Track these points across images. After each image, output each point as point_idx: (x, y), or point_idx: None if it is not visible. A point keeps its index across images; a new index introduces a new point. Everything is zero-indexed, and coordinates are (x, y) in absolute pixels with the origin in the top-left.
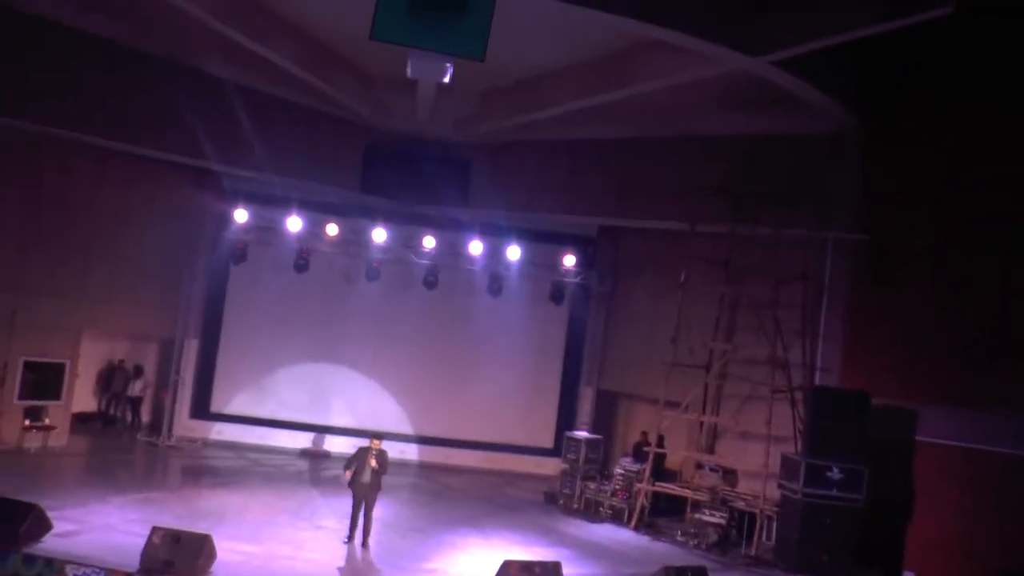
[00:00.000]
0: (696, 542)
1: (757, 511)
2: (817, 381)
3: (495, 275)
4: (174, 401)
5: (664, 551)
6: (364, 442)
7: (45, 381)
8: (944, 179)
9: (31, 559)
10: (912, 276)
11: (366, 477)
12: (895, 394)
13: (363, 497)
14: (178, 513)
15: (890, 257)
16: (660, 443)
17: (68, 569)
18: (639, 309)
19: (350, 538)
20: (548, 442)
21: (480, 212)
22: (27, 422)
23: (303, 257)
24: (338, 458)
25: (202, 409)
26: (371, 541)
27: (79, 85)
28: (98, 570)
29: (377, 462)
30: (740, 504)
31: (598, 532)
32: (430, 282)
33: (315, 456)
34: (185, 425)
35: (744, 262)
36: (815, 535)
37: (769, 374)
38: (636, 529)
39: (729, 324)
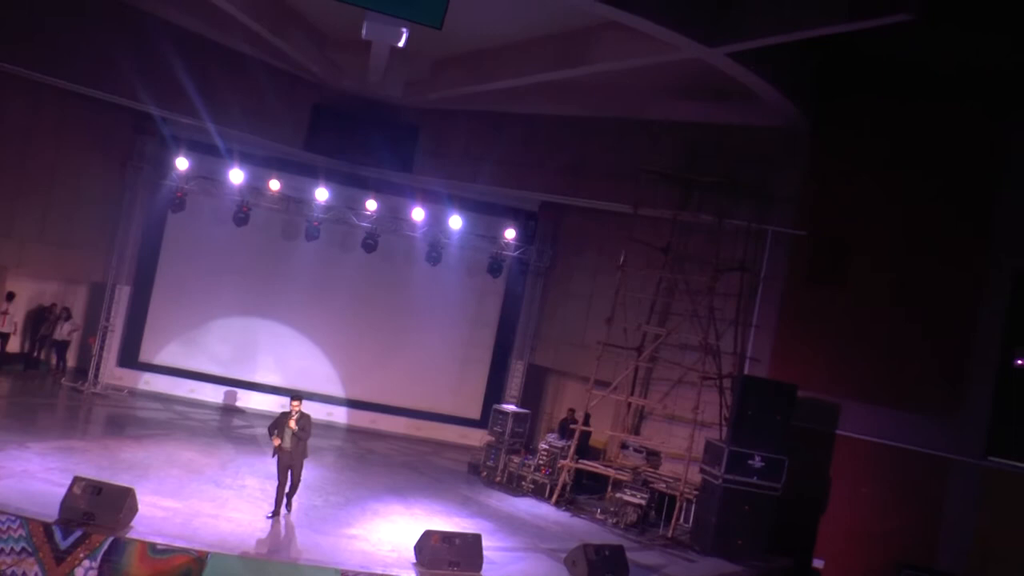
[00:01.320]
0: (615, 521)
1: (677, 494)
2: (747, 370)
3: (435, 243)
4: (102, 347)
5: (583, 528)
6: (288, 402)
7: None
8: (887, 180)
9: None
10: (847, 274)
11: (287, 443)
12: (820, 387)
13: (288, 464)
14: (100, 464)
15: (827, 254)
16: (586, 421)
17: None
18: (576, 287)
19: (275, 512)
20: (475, 413)
21: (424, 179)
22: None
23: (243, 210)
24: (271, 417)
25: (130, 358)
26: (293, 503)
27: (13, 17)
28: (14, 518)
29: (297, 425)
30: (661, 486)
31: (519, 506)
32: (369, 245)
33: (246, 413)
34: (112, 373)
35: (684, 248)
36: (732, 520)
37: (700, 360)
38: (557, 505)
39: (664, 308)
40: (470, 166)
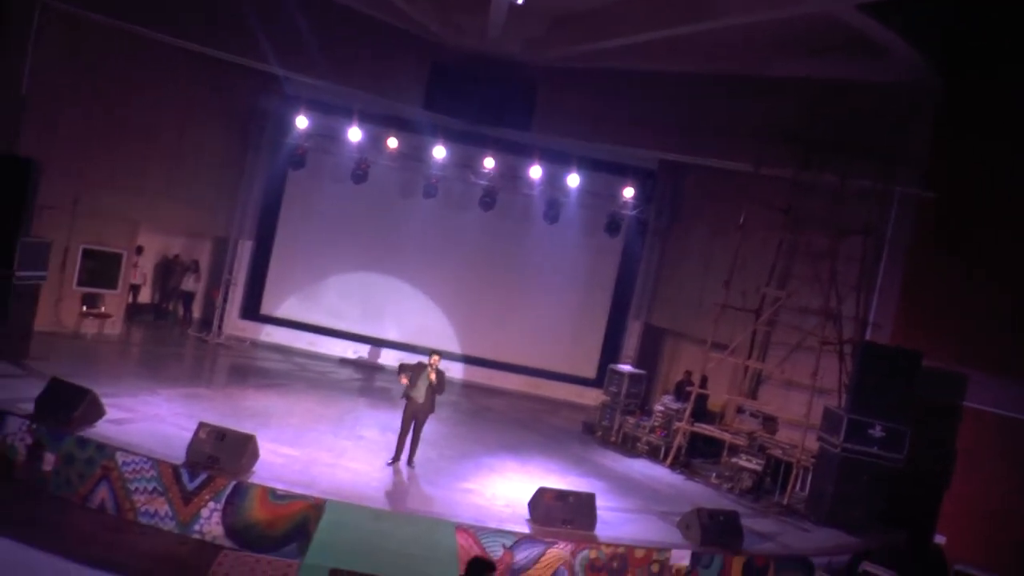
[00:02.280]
0: (730, 486)
1: (794, 460)
2: (868, 336)
3: (553, 201)
4: (225, 300)
5: (697, 492)
6: (407, 357)
7: (103, 269)
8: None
9: (84, 442)
10: (977, 240)
11: (420, 395)
12: (946, 357)
13: (414, 415)
14: (224, 411)
15: (956, 219)
16: (703, 384)
17: (118, 456)
18: (694, 247)
19: (395, 459)
20: (590, 372)
21: (542, 137)
22: (84, 308)
23: (362, 168)
24: (388, 371)
25: (252, 310)
26: (415, 459)
27: None
28: (146, 459)
29: (436, 378)
30: (777, 452)
31: (633, 467)
32: (487, 203)
33: (364, 367)
34: (235, 324)
35: (806, 209)
36: (850, 490)
37: (820, 325)
38: (671, 467)
39: (784, 271)
40: (588, 124)
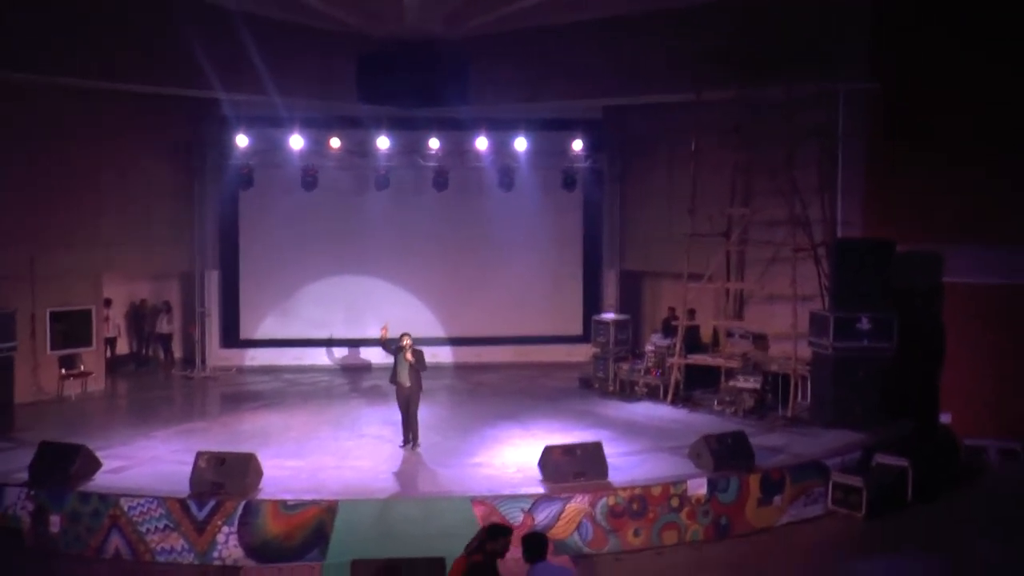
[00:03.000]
0: (733, 410)
1: (790, 372)
2: (840, 235)
3: (504, 169)
4: (203, 333)
5: (702, 422)
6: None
7: (74, 328)
8: (963, 18)
9: (86, 496)
10: (930, 121)
11: (406, 378)
12: (920, 239)
13: (406, 399)
14: (221, 439)
15: (905, 105)
16: (692, 316)
17: (123, 502)
18: (653, 186)
19: (405, 441)
20: (577, 329)
21: (482, 108)
22: (63, 371)
23: (309, 174)
24: (377, 369)
25: (232, 338)
26: (419, 441)
27: (62, 27)
28: (151, 499)
29: (413, 357)
30: (773, 367)
31: (635, 411)
32: (440, 183)
33: (354, 370)
34: (218, 355)
35: (755, 126)
36: (849, 388)
37: (790, 234)
38: (673, 404)
39: (745, 189)
40: (525, 86)
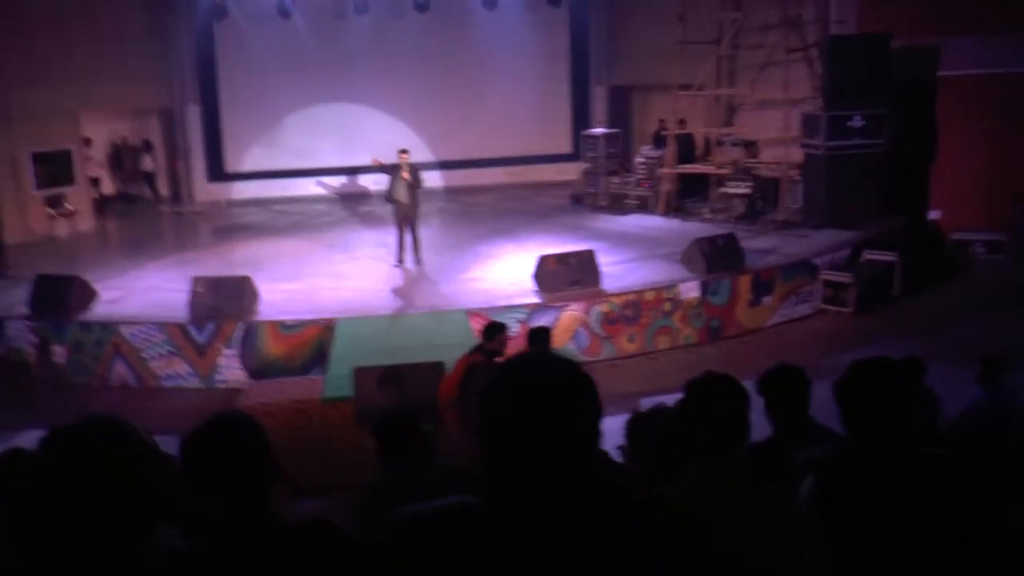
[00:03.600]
0: (724, 216)
1: (781, 176)
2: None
3: None
4: (188, 168)
5: (694, 229)
6: (382, 177)
7: (56, 168)
8: None
9: (87, 326)
10: None
11: (402, 195)
12: (915, 33)
13: (404, 216)
14: (215, 267)
15: None
16: (682, 127)
17: (123, 330)
18: None
19: (400, 261)
20: (566, 147)
21: None
22: (50, 210)
23: (284, 2)
24: (367, 196)
25: (218, 172)
26: (422, 258)
27: None
28: (152, 326)
29: (410, 174)
30: (764, 172)
31: (627, 222)
32: (421, 5)
33: (344, 198)
34: (205, 190)
35: None
36: (841, 187)
37: (783, 35)
38: (664, 214)
39: None
40: None
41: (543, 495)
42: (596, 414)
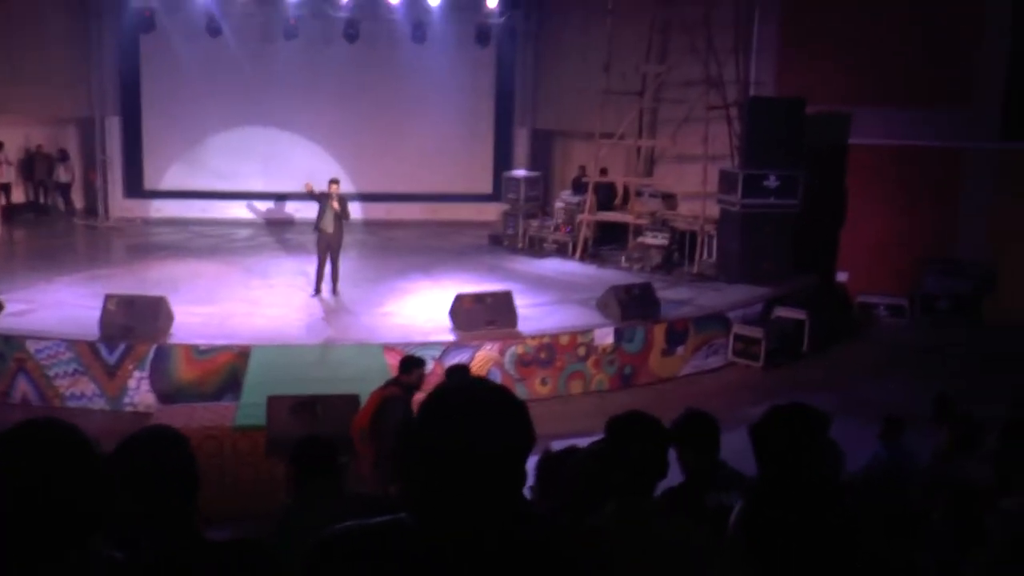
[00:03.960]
0: (640, 266)
1: (697, 230)
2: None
3: (417, 22)
4: (105, 181)
5: (610, 277)
6: (302, 205)
7: None
8: None
9: None
10: None
11: (329, 225)
12: (830, 100)
13: (327, 245)
14: (129, 286)
15: None
16: (603, 175)
17: (28, 344)
18: (569, 43)
19: (317, 291)
20: (487, 187)
21: None
22: None
23: (214, 21)
24: (284, 223)
25: (136, 188)
26: (339, 288)
27: None
28: (59, 342)
29: (339, 204)
30: (681, 224)
31: (545, 266)
32: (351, 35)
33: (261, 223)
34: (121, 205)
35: None
36: (754, 244)
37: (704, 92)
38: (582, 260)
39: (661, 47)
40: None
41: (474, 516)
42: (531, 437)
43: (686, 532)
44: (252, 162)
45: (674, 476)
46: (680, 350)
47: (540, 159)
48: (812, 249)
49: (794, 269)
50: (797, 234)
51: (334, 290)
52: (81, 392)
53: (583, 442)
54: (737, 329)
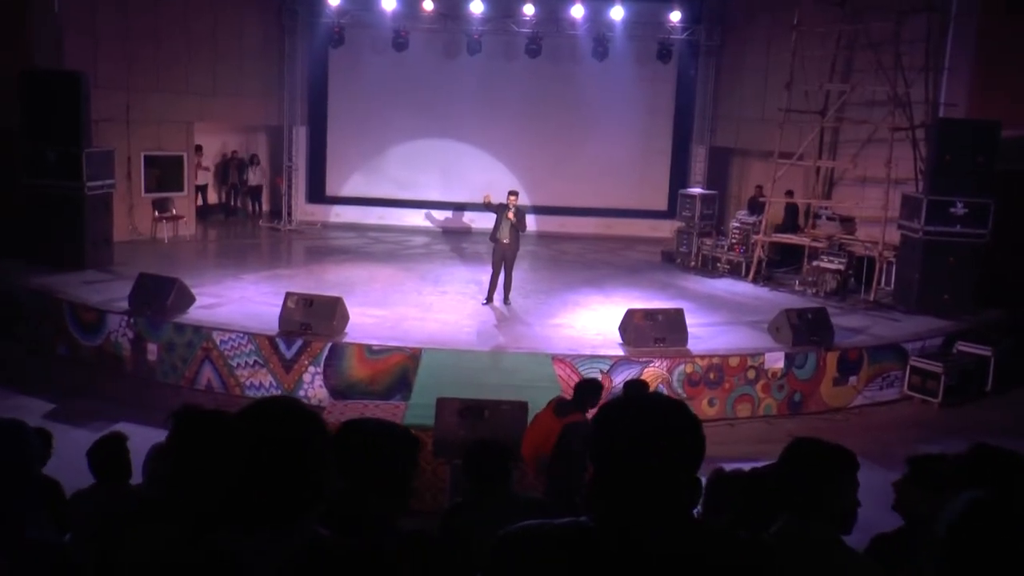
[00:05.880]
0: (815, 290)
1: (876, 255)
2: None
3: (599, 38)
4: (290, 187)
5: (783, 300)
6: (477, 216)
7: (167, 174)
8: None
9: (180, 328)
10: None
11: (505, 235)
12: None
13: (503, 256)
14: (308, 285)
15: None
16: (790, 196)
17: (215, 335)
18: (750, 61)
19: (489, 299)
20: (662, 204)
21: None
22: (156, 213)
23: (401, 35)
24: (461, 232)
25: (318, 193)
26: (497, 299)
27: None
28: (242, 335)
29: (515, 216)
30: (859, 249)
31: (717, 286)
32: (533, 50)
33: (437, 231)
34: (304, 210)
35: None
36: (936, 274)
37: (889, 113)
38: (754, 281)
39: (846, 64)
40: None
41: (648, 522)
42: (702, 451)
43: (859, 564)
44: (431, 172)
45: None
46: (853, 380)
47: (716, 177)
48: (1001, 282)
49: (980, 302)
50: (985, 265)
51: (506, 299)
52: (259, 383)
53: (750, 467)
54: (914, 362)
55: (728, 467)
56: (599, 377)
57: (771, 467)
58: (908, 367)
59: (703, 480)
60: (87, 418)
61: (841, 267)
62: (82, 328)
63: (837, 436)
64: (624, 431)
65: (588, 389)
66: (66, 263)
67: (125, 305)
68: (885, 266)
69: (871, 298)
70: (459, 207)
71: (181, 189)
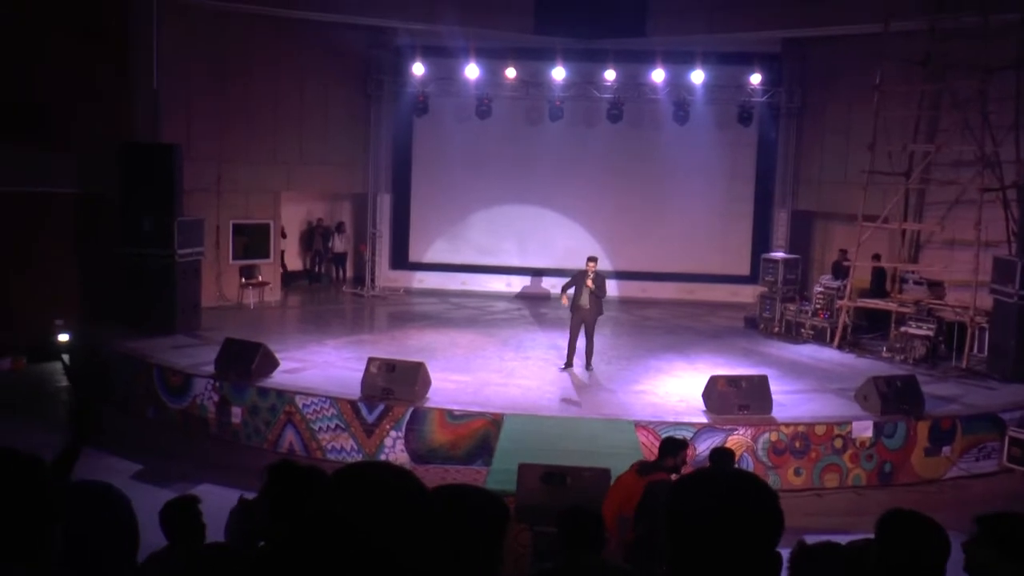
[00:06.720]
0: (903, 357)
1: (967, 321)
2: None
3: (680, 102)
4: (373, 254)
5: (869, 367)
6: (559, 281)
7: (253, 242)
8: None
9: (264, 392)
10: None
11: (584, 300)
12: None
13: (582, 321)
14: (390, 350)
15: None
16: (877, 260)
17: (298, 399)
18: (832, 123)
19: (567, 365)
20: (744, 269)
21: (658, 39)
22: (243, 280)
23: (484, 103)
24: (542, 298)
25: (401, 260)
26: (578, 364)
27: None
28: (324, 399)
29: (594, 283)
30: (948, 314)
31: (801, 352)
32: (614, 115)
33: (518, 297)
34: (386, 276)
35: (946, 56)
36: None
37: (978, 173)
38: (839, 347)
39: (930, 125)
40: (703, 16)
41: None
42: (780, 525)
43: None
44: (511, 238)
45: None
46: (946, 450)
47: (799, 241)
48: None
49: None
50: None
51: (587, 365)
52: (340, 446)
53: (838, 540)
54: (1013, 432)
55: (811, 539)
56: None
57: (864, 542)
58: (1007, 438)
59: (783, 554)
60: (171, 479)
61: (930, 333)
62: (169, 391)
63: (930, 508)
64: (698, 504)
65: (672, 446)
66: (157, 328)
67: (211, 369)
68: (977, 332)
69: (963, 365)
70: (539, 272)
71: (267, 256)
